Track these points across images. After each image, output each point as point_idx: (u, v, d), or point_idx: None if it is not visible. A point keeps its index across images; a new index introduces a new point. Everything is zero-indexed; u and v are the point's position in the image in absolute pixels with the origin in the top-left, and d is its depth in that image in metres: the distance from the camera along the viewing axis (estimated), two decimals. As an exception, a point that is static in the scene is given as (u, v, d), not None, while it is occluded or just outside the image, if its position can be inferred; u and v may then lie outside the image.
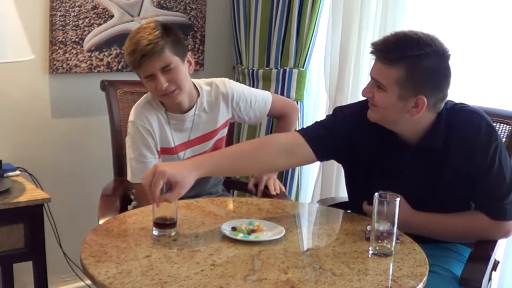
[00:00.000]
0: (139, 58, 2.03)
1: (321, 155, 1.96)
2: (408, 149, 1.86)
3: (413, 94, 1.75)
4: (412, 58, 1.73)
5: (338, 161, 2.17)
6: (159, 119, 2.19)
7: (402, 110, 1.78)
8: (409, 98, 1.76)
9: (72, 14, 2.65)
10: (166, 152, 2.22)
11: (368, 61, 2.61)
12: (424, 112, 1.77)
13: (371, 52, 1.80)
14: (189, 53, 2.17)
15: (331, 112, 2.06)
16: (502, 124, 2.07)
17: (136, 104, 2.22)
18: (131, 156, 2.17)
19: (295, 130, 2.22)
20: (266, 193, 2.34)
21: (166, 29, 2.08)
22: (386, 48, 1.77)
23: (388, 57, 1.75)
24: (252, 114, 2.35)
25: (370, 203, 1.65)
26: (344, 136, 1.92)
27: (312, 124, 2.01)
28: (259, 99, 2.35)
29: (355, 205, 2.00)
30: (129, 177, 2.20)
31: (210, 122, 2.27)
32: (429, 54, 1.73)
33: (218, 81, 2.30)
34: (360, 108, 1.89)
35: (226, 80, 2.32)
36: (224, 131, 2.34)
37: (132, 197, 2.40)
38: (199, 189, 2.21)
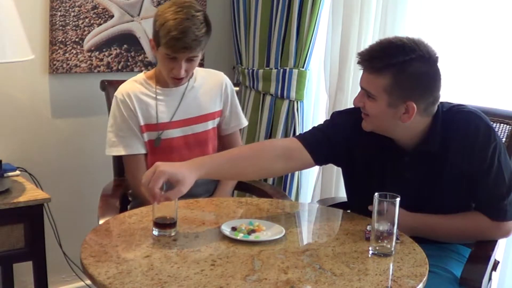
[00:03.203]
0: (180, 46, 2.08)
1: (319, 160, 1.96)
2: (406, 153, 1.86)
3: (402, 100, 1.75)
4: (398, 65, 1.73)
5: (337, 165, 2.17)
6: (146, 95, 2.24)
7: (393, 117, 1.78)
8: (398, 105, 1.76)
9: (72, 14, 2.65)
10: (151, 128, 2.25)
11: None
12: (416, 117, 1.77)
13: (358, 63, 1.81)
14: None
15: (330, 113, 2.06)
16: (502, 124, 2.07)
17: (123, 83, 2.31)
18: (109, 129, 2.25)
19: (293, 136, 2.21)
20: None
21: (208, 26, 2.15)
22: (371, 57, 1.77)
23: (374, 66, 1.76)
24: (227, 118, 2.37)
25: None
26: (342, 141, 1.92)
27: (310, 130, 2.01)
28: (240, 114, 2.41)
29: (355, 206, 2.00)
30: (108, 151, 2.26)
31: (200, 105, 2.30)
32: (414, 59, 1.73)
33: (214, 70, 2.41)
34: (357, 113, 1.89)
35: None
36: (214, 123, 2.35)
37: (130, 198, 2.41)
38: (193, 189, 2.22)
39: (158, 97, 2.25)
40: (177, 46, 2.09)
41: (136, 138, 2.24)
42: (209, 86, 2.33)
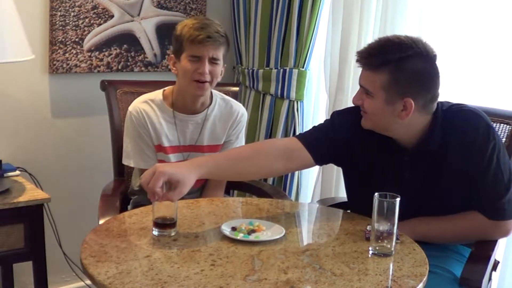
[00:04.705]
0: (204, 36, 2.10)
1: (319, 160, 1.96)
2: (406, 153, 1.86)
3: (400, 97, 1.76)
4: (395, 62, 1.74)
5: (337, 165, 2.17)
6: (161, 118, 2.22)
7: (391, 115, 1.78)
8: (396, 102, 1.76)
9: (72, 14, 2.65)
10: (162, 150, 2.24)
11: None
12: (415, 114, 1.77)
13: (357, 61, 1.81)
14: (225, 64, 2.24)
15: (330, 113, 2.06)
16: (502, 124, 2.07)
17: (139, 97, 2.28)
18: (126, 140, 2.26)
19: (293, 136, 2.22)
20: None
21: (227, 36, 2.20)
22: (369, 55, 1.78)
23: (371, 63, 1.77)
24: (229, 144, 2.35)
25: (370, 206, 1.65)
26: (342, 141, 1.92)
27: (310, 129, 2.01)
28: (242, 143, 2.38)
29: (355, 206, 2.00)
30: (123, 160, 2.27)
31: (215, 136, 2.30)
32: (411, 56, 1.74)
33: (234, 101, 2.37)
34: (357, 113, 1.89)
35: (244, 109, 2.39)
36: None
37: (131, 196, 2.41)
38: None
39: (176, 121, 2.24)
40: (200, 36, 2.10)
41: (150, 152, 2.23)
42: (225, 117, 2.31)
